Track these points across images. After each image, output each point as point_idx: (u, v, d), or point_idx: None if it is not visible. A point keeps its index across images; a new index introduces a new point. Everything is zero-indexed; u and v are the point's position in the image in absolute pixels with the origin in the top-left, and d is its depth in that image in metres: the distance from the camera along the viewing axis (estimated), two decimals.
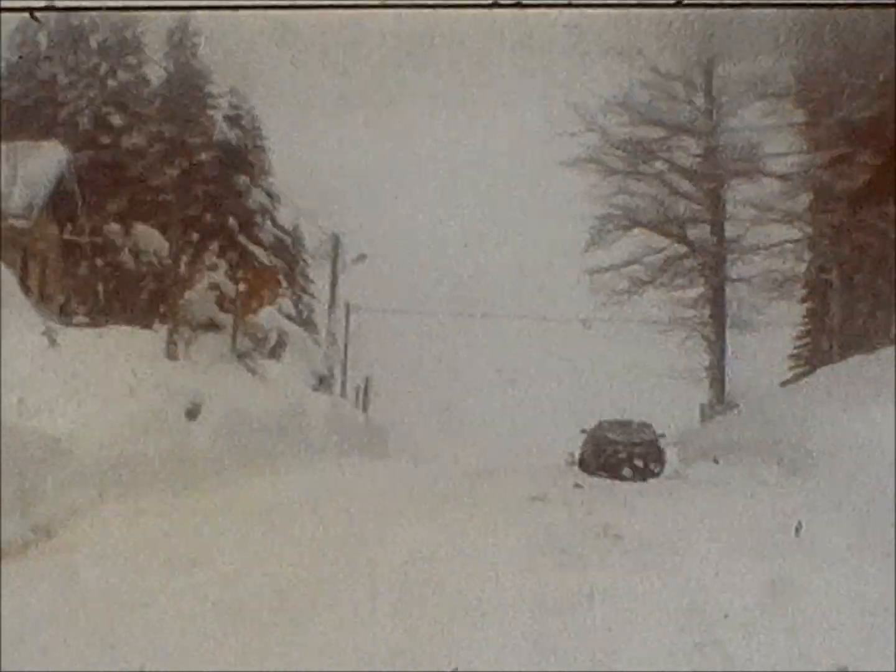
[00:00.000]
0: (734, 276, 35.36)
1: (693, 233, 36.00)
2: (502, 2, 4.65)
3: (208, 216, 35.20)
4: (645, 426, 27.84)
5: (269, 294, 32.33)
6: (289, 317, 32.67)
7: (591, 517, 16.76)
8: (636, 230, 36.00)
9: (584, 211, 34.70)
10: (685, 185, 35.60)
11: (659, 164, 35.52)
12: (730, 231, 34.94)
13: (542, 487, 20.58)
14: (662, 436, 27.68)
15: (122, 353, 21.31)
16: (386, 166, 35.47)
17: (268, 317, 31.20)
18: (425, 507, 17.76)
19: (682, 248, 36.08)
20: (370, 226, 33.06)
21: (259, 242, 35.77)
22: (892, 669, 7.49)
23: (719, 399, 34.65)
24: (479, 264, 35.62)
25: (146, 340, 24.17)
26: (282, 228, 37.30)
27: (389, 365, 35.36)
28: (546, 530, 15.42)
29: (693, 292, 36.08)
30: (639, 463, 25.92)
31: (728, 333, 35.46)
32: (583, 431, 29.20)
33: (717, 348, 35.23)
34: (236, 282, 27.79)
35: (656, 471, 26.05)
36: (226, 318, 26.83)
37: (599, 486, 22.95)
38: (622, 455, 26.19)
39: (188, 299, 25.81)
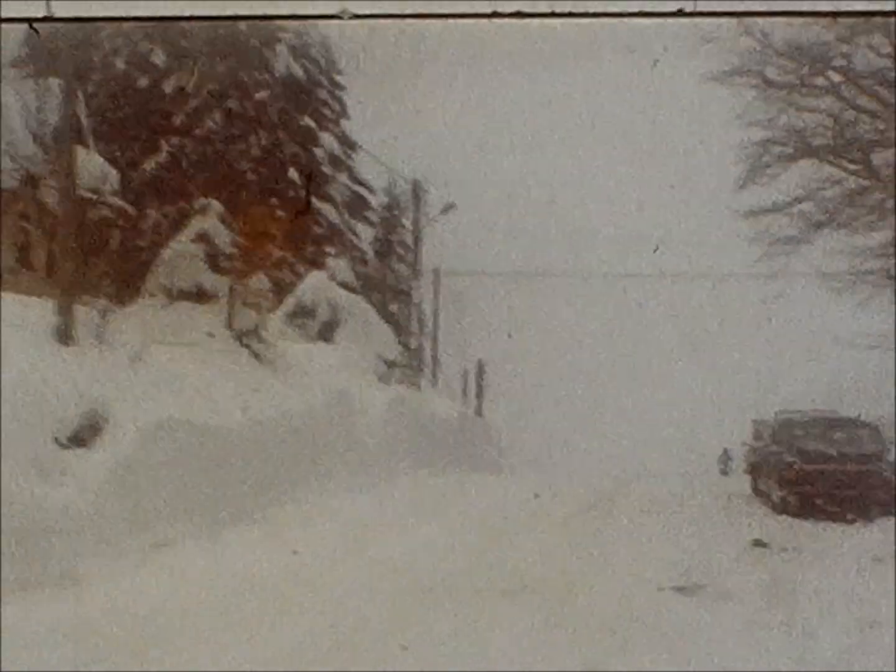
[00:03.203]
0: None
1: (879, 159, 27.84)
2: (501, 11, 4.80)
3: (265, 168, 29.11)
4: (861, 425, 17.84)
5: (297, 249, 25.19)
6: (346, 286, 25.63)
7: None
8: (804, 160, 28.03)
9: (738, 138, 27.08)
10: (867, 99, 27.40)
11: (834, 74, 27.40)
12: None
13: (690, 550, 13.14)
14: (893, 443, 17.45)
15: None
16: (478, 105, 28.46)
17: (317, 285, 24.54)
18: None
19: (866, 180, 27.97)
20: (460, 171, 26.12)
21: (329, 199, 29.47)
22: (893, 669, 6.68)
23: None
24: (602, 212, 28.52)
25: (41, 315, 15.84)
26: (360, 181, 30.83)
27: (493, 344, 28.63)
28: None
29: (880, 236, 27.97)
30: (866, 494, 15.77)
31: None
32: (755, 422, 21.89)
33: None
34: (234, 230, 20.10)
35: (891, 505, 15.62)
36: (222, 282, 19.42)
37: (802, 544, 13.95)
38: (839, 481, 15.99)
39: (164, 257, 18.82)
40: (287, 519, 14.42)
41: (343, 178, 29.78)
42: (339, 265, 25.87)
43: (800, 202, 27.79)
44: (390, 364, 24.61)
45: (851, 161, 27.87)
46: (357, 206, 29.56)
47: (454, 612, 9.81)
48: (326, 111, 30.47)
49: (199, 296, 19.11)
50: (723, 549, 13.35)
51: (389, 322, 26.70)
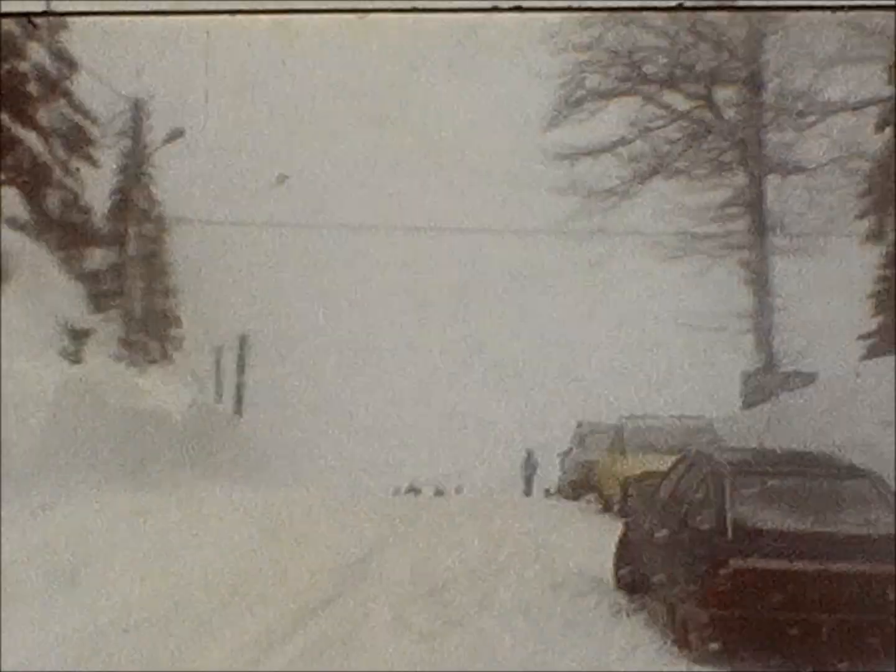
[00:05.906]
0: (788, 162, 21.94)
1: (722, 95, 22.52)
2: (501, 6, 5.06)
3: None
4: (853, 472, 7.98)
5: None
6: (17, 224, 19.20)
7: None
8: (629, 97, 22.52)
9: (548, 65, 21.25)
10: (710, 20, 21.87)
11: None
12: (782, 84, 21.39)
13: None
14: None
15: None
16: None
17: None
18: None
19: (705, 118, 22.59)
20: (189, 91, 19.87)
21: (36, 126, 23.02)
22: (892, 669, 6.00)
23: (769, 365, 21.60)
24: (377, 147, 22.56)
25: None
26: (80, 108, 24.34)
27: (249, 315, 22.75)
28: None
29: (720, 193, 22.74)
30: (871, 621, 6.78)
31: (773, 260, 22.24)
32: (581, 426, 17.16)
33: (761, 283, 22.02)
34: None
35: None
36: None
37: None
38: (825, 594, 6.74)
39: None
40: None
41: (59, 102, 23.29)
42: (8, 196, 19.23)
43: (620, 145, 22.41)
44: (80, 335, 18.21)
45: (689, 96, 22.58)
46: (75, 138, 23.11)
47: None
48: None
49: None
50: None
51: (84, 279, 20.16)
